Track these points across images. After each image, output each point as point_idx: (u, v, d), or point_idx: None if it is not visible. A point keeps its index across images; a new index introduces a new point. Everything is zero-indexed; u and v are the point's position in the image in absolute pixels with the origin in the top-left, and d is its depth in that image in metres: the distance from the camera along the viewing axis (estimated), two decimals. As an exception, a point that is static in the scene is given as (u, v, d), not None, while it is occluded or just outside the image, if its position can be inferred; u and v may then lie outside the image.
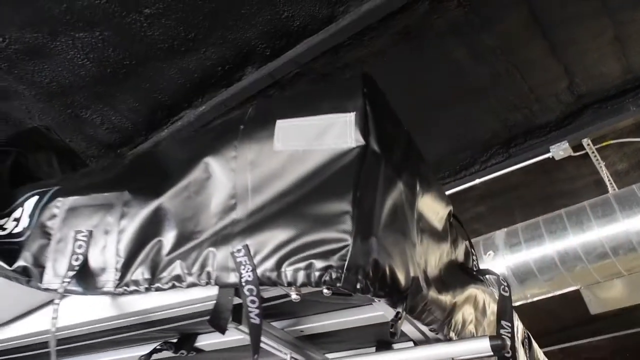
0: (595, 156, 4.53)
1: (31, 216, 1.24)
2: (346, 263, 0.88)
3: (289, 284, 0.92)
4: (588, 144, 4.42)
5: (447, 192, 5.05)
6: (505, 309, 1.40)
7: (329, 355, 1.47)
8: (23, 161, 1.80)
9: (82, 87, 3.80)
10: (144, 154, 1.27)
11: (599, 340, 8.14)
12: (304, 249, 0.92)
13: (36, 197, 1.28)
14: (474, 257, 1.57)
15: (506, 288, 1.45)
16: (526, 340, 2.33)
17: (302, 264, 0.91)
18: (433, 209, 1.27)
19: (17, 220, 1.30)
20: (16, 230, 1.26)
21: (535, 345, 2.52)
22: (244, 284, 0.93)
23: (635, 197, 3.58)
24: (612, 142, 4.46)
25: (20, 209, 1.32)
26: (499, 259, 4.04)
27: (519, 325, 2.15)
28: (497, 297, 1.50)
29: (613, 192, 3.79)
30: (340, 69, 3.60)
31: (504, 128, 4.53)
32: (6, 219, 1.35)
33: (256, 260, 0.94)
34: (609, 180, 4.70)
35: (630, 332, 7.96)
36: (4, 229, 1.31)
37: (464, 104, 4.17)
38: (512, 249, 4.01)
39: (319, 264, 0.90)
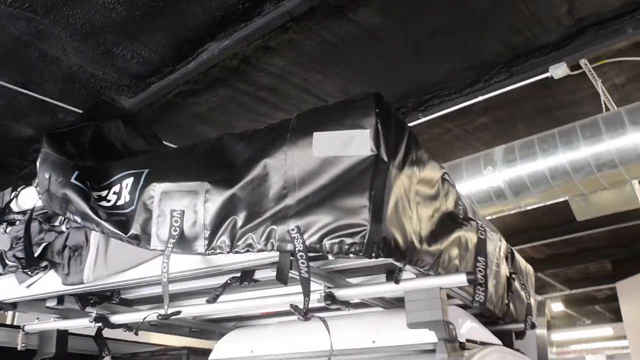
0: (592, 74, 4.83)
1: (132, 194, 1.70)
2: (365, 240, 1.35)
3: (327, 252, 1.39)
4: (585, 64, 4.71)
5: (453, 108, 5.42)
6: (481, 248, 1.89)
7: (350, 280, 1.97)
8: (99, 131, 2.24)
9: (113, 28, 4.14)
10: (212, 147, 1.67)
11: (598, 232, 8.79)
12: (337, 230, 1.38)
13: (132, 178, 1.73)
14: (461, 203, 2.02)
15: (483, 232, 1.93)
16: (509, 254, 2.84)
17: (337, 240, 1.38)
18: (428, 181, 1.72)
19: (117, 194, 1.76)
20: (119, 204, 1.73)
21: (517, 257, 3.03)
22: (297, 252, 1.40)
23: (620, 120, 3.96)
24: (607, 61, 4.74)
25: (118, 185, 1.78)
26: (497, 173, 4.52)
27: (501, 245, 2.64)
28: (477, 236, 1.98)
29: (602, 115, 4.15)
30: (352, 1, 3.91)
31: (507, 49, 4.80)
32: (106, 191, 1.82)
33: (305, 236, 1.41)
34: (604, 94, 5.03)
35: (627, 225, 8.58)
36: (108, 201, 1.77)
37: (469, 28, 4.44)
38: (509, 165, 4.47)
39: (347, 240, 1.37)
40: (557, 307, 13.80)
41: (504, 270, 2.65)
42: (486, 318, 2.58)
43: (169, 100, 5.14)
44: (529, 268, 3.32)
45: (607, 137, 3.99)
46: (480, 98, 5.13)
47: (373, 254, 1.36)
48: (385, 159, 1.42)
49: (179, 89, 4.94)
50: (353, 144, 1.43)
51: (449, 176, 2.04)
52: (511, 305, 2.74)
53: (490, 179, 4.46)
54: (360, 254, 1.36)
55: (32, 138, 5.82)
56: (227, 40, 4.28)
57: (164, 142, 2.56)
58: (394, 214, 1.42)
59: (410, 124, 5.68)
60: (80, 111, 5.11)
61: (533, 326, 2.85)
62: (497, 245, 2.53)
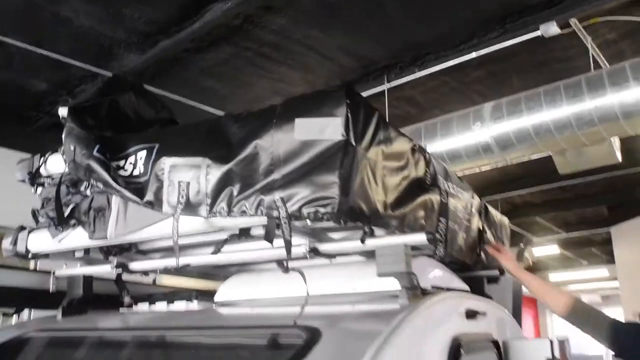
0: (582, 33, 5.01)
1: (145, 166, 2.03)
2: (335, 210, 1.68)
3: (306, 219, 1.73)
4: (575, 23, 4.89)
5: (448, 64, 5.62)
6: (443, 210, 2.22)
7: (335, 235, 2.30)
8: (114, 104, 2.55)
9: (122, -10, 4.36)
10: (211, 127, 1.98)
11: (594, 179, 9.06)
12: (313, 201, 1.71)
13: (145, 152, 2.05)
14: (430, 170, 2.34)
15: (446, 197, 2.25)
16: (482, 209, 3.17)
17: (313, 209, 1.71)
18: (396, 155, 2.04)
19: (133, 165, 2.09)
20: (135, 173, 2.06)
21: (491, 211, 3.36)
22: (281, 218, 1.74)
23: (602, 81, 4.20)
24: (597, 20, 4.91)
25: (133, 157, 2.11)
26: (485, 129, 4.80)
27: (473, 202, 2.96)
28: (440, 200, 2.31)
29: (584, 75, 4.38)
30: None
31: (500, 7, 4.98)
32: (123, 161, 2.14)
33: (288, 205, 1.74)
34: (594, 51, 5.22)
35: (622, 173, 8.86)
36: (125, 170, 2.11)
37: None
38: (496, 121, 4.74)
39: (321, 209, 1.70)
40: (553, 249, 14.26)
41: (476, 223, 2.99)
42: (459, 266, 2.94)
43: (176, 56, 5.39)
44: (504, 220, 3.65)
45: (588, 97, 4.24)
46: (474, 55, 5.34)
47: (341, 221, 1.70)
48: (353, 143, 1.73)
49: (186, 46, 5.18)
50: (327, 129, 1.74)
51: (420, 147, 2.34)
52: (482, 254, 3.09)
53: (479, 135, 4.75)
54: (331, 221, 1.70)
55: (47, 92, 6.13)
56: (230, 1, 4.50)
57: (171, 110, 2.85)
58: (359, 188, 1.74)
59: (407, 78, 5.93)
60: (92, 68, 5.38)
61: (502, 272, 3.19)
62: (468, 202, 2.85)
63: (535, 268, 17.98)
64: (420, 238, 2.01)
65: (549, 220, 12.85)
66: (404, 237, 2.01)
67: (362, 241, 1.87)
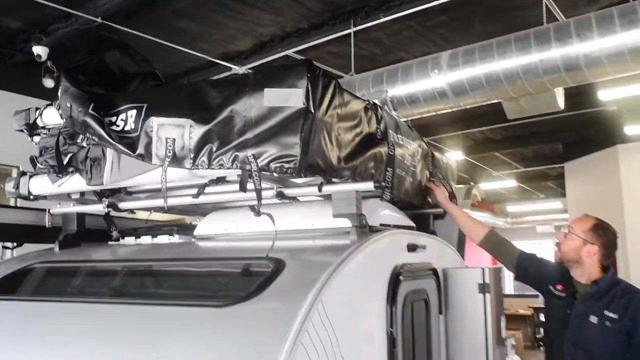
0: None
1: (136, 123, 2.36)
2: (297, 166, 2.07)
3: (272, 172, 2.12)
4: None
5: (411, 10, 5.87)
6: (390, 161, 2.63)
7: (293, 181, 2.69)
8: (101, 64, 2.84)
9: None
10: (193, 90, 2.30)
11: (550, 117, 9.55)
12: (279, 158, 2.10)
13: (135, 111, 2.38)
14: (381, 126, 2.73)
15: (393, 149, 2.66)
16: (429, 156, 3.59)
17: (278, 165, 2.10)
18: (349, 116, 2.42)
19: (124, 121, 2.42)
20: (126, 129, 2.40)
21: (438, 156, 3.79)
22: (253, 171, 2.12)
23: (548, 35, 4.57)
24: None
25: (124, 114, 2.44)
26: (442, 76, 5.17)
27: (420, 150, 3.38)
28: (388, 151, 2.71)
29: (534, 29, 4.74)
30: None
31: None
32: (115, 117, 2.47)
33: (258, 161, 2.12)
34: (549, 1, 5.54)
35: (576, 113, 9.38)
36: (117, 126, 2.44)
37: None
38: (452, 69, 5.11)
39: (285, 165, 2.09)
40: (511, 183, 15.01)
41: (422, 169, 3.42)
42: (408, 206, 3.39)
43: (150, -3, 5.54)
44: (451, 163, 4.10)
45: (534, 50, 4.62)
46: (436, 2, 5.59)
47: (302, 175, 2.10)
48: (312, 110, 2.10)
49: (159, -13, 5.35)
50: (291, 98, 2.10)
51: (373, 105, 2.72)
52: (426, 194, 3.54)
53: (435, 81, 5.12)
54: (294, 175, 2.09)
55: (21, 30, 6.24)
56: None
57: (150, 63, 3.14)
58: (317, 147, 2.14)
59: (373, 23, 6.18)
60: (65, 8, 5.51)
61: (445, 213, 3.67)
62: (415, 151, 3.27)
63: (495, 200, 18.87)
64: (368, 185, 2.43)
65: (508, 156, 13.50)
66: (355, 185, 2.43)
67: (319, 189, 2.28)
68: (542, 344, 14.68)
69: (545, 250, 20.87)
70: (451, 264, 3.50)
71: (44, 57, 6.29)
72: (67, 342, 2.22)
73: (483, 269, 3.36)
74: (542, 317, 14.68)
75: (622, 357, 3.04)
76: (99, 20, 5.65)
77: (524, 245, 3.88)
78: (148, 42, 6.26)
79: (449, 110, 5.49)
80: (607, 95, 7.34)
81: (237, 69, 7.32)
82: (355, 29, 6.22)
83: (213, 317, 1.97)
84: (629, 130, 9.17)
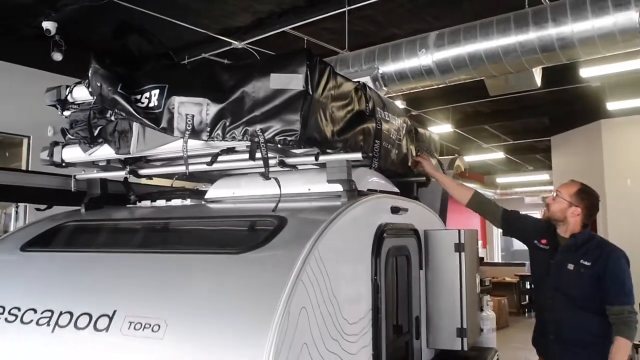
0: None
1: (159, 101, 2.77)
2: (298, 139, 2.50)
3: (277, 144, 2.54)
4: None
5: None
6: (377, 135, 3.06)
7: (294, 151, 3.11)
8: (125, 49, 3.23)
9: None
10: (209, 73, 2.70)
11: (538, 92, 9.93)
12: (283, 132, 2.52)
13: (158, 90, 2.79)
14: (370, 104, 3.14)
15: (380, 124, 3.08)
16: (412, 131, 4.01)
17: (282, 138, 2.52)
18: (342, 96, 2.83)
19: (148, 99, 2.82)
20: (150, 105, 2.80)
21: (421, 130, 4.21)
22: (260, 143, 2.54)
23: (526, 19, 4.95)
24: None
25: (148, 93, 2.84)
26: (429, 55, 5.56)
27: (405, 126, 3.80)
28: (376, 126, 3.13)
29: (515, 12, 5.11)
30: None
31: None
32: (140, 95, 2.87)
33: (265, 134, 2.54)
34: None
35: (563, 88, 9.77)
36: (142, 103, 2.84)
37: None
38: (439, 49, 5.50)
39: (288, 138, 2.52)
40: (500, 155, 15.47)
41: (406, 142, 3.84)
42: (394, 174, 3.82)
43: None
44: (434, 136, 4.53)
45: (514, 32, 5.00)
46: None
47: (302, 146, 2.53)
48: (310, 92, 2.52)
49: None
50: (293, 82, 2.51)
51: (363, 85, 3.13)
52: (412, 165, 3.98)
53: (423, 60, 5.51)
54: (295, 146, 2.52)
55: (30, 6, 6.54)
56: None
57: (165, 45, 3.52)
58: (314, 123, 2.56)
59: (366, 2, 6.51)
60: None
61: (428, 179, 4.12)
62: (400, 126, 3.69)
63: (485, 172, 19.39)
64: (357, 156, 2.86)
65: (497, 129, 13.92)
66: (346, 155, 2.86)
67: (316, 159, 2.71)
68: (527, 310, 15.41)
69: (531, 220, 21.51)
70: (432, 226, 3.97)
71: (53, 31, 6.61)
72: (98, 288, 2.65)
73: (459, 230, 3.83)
74: (527, 285, 15.25)
75: (593, 298, 3.56)
76: (106, -3, 5.97)
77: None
78: (151, 17, 6.59)
79: (436, 87, 5.88)
80: (589, 73, 7.73)
81: (237, 44, 7.66)
82: (349, 7, 6.55)
83: (230, 262, 2.41)
84: (611, 106, 9.59)
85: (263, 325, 1.99)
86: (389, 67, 5.77)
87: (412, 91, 6.39)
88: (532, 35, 4.92)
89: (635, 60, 7.01)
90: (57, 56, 6.87)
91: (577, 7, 4.68)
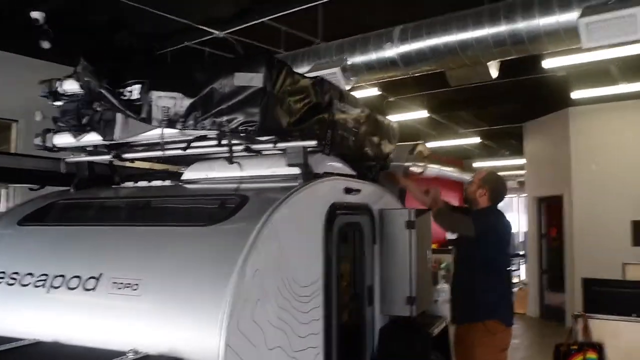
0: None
1: (140, 94, 3.18)
2: (258, 129, 2.94)
3: (241, 133, 2.98)
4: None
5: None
6: (331, 124, 3.51)
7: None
8: (112, 44, 3.62)
9: None
10: (184, 70, 3.13)
11: (510, 80, 10.35)
12: (245, 123, 2.97)
13: (139, 85, 3.20)
14: (326, 96, 3.57)
15: (333, 115, 3.53)
16: (371, 119, 4.44)
17: (244, 127, 2.97)
18: (299, 91, 3.27)
19: (130, 92, 3.24)
20: (132, 98, 3.22)
21: (380, 118, 4.65)
22: (226, 132, 2.98)
23: (481, 17, 5.38)
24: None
25: (130, 87, 3.25)
26: (394, 49, 5.98)
27: (363, 115, 4.23)
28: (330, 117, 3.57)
29: (473, 9, 5.53)
30: None
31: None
32: (123, 89, 3.28)
33: (230, 125, 2.98)
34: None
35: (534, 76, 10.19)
36: (125, 96, 3.25)
37: None
38: (403, 42, 5.92)
39: (249, 127, 2.96)
40: (476, 140, 15.98)
41: (364, 130, 4.28)
42: (352, 159, 4.26)
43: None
44: (393, 124, 4.97)
45: (470, 28, 5.44)
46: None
47: (261, 135, 2.97)
48: (269, 89, 2.95)
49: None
50: (254, 80, 2.95)
51: (320, 80, 3.56)
52: (370, 151, 4.42)
53: (388, 52, 5.94)
54: (255, 135, 2.96)
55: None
56: None
57: (149, 41, 3.92)
58: (272, 115, 3.00)
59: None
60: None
61: (386, 165, 4.60)
62: (357, 115, 4.12)
63: (462, 156, 19.92)
64: (312, 143, 3.30)
65: (472, 115, 14.40)
66: (302, 142, 3.30)
67: (274, 145, 3.16)
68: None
69: (506, 203, 22.14)
70: (388, 207, 4.43)
71: (41, 21, 6.94)
72: (87, 255, 3.10)
73: (410, 209, 4.30)
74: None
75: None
76: (90, -12, 6.30)
77: None
78: (134, 7, 6.91)
79: (402, 76, 6.32)
80: (551, 64, 8.19)
81: (218, 34, 8.01)
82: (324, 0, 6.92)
83: (198, 233, 2.87)
84: (575, 94, 10.07)
85: (222, 283, 2.45)
86: (358, 59, 6.20)
87: (390, 79, 6.78)
88: (487, 30, 5.35)
89: (595, 52, 7.47)
90: (45, 44, 7.19)
91: (526, 6, 5.12)
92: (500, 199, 4.59)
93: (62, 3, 6.78)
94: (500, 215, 4.66)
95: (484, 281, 4.46)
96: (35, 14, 6.82)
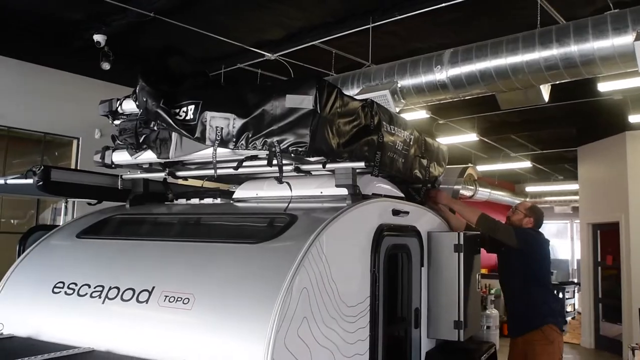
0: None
1: (194, 114, 3.29)
2: (307, 150, 2.99)
3: (291, 154, 3.05)
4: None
5: (420, 11, 6.61)
6: (380, 146, 3.53)
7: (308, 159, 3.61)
8: (166, 67, 3.78)
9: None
10: (236, 92, 3.23)
11: (564, 104, 10.19)
12: (295, 144, 3.03)
13: (193, 106, 3.32)
14: (375, 119, 3.60)
15: (381, 138, 3.55)
16: (421, 142, 4.45)
17: (294, 148, 3.03)
18: (347, 113, 3.32)
19: (185, 113, 3.36)
20: (187, 119, 3.33)
21: (429, 141, 4.65)
22: (277, 152, 3.05)
23: (533, 40, 5.34)
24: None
25: (185, 107, 3.37)
26: (443, 72, 5.99)
27: (412, 137, 4.24)
28: (379, 139, 3.60)
29: (522, 33, 5.50)
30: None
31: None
32: (178, 109, 3.41)
33: (281, 145, 3.05)
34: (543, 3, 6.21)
35: (588, 100, 10.00)
36: (180, 116, 3.38)
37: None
38: (452, 66, 5.93)
39: (299, 149, 3.02)
40: (526, 164, 15.66)
41: (413, 152, 4.29)
42: (402, 180, 4.28)
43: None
44: (442, 147, 4.96)
45: (521, 51, 5.40)
46: (443, 4, 6.34)
47: (311, 156, 3.02)
48: (319, 110, 3.01)
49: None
50: (304, 102, 3.01)
51: (370, 102, 3.61)
52: (419, 173, 4.42)
53: (438, 75, 5.94)
54: (305, 156, 3.02)
55: (82, 22, 7.23)
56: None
57: (200, 65, 4.07)
58: (322, 136, 3.05)
59: (388, 20, 6.96)
60: (120, 4, 6.45)
61: (433, 185, 4.60)
62: (407, 138, 4.14)
63: (514, 180, 19.54)
64: (360, 164, 3.34)
65: (524, 138, 14.15)
66: (351, 164, 3.34)
67: (324, 166, 3.20)
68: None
69: (558, 228, 21.52)
70: (435, 229, 4.40)
71: (103, 43, 7.30)
72: (141, 269, 3.20)
73: (459, 233, 4.26)
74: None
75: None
76: (151, 14, 6.59)
77: (543, 225, 5.22)
78: (191, 32, 7.20)
79: (451, 99, 6.30)
80: (606, 87, 8.00)
81: (269, 56, 8.21)
82: (373, 24, 7.02)
83: (248, 250, 2.93)
84: (632, 118, 9.78)
85: (270, 300, 2.50)
86: (407, 81, 6.23)
87: (440, 102, 6.78)
88: (538, 54, 5.30)
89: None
90: (106, 66, 7.55)
91: (580, 29, 5.05)
92: (540, 226, 5.13)
93: (123, 27, 7.11)
94: (541, 233, 5.14)
95: (538, 291, 4.80)
96: (98, 37, 7.18)
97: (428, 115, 9.84)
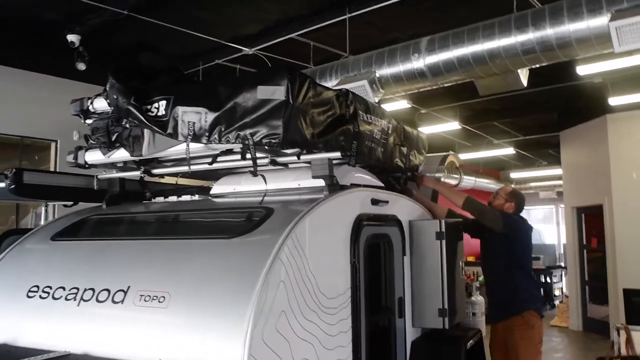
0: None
1: (166, 110, 3.24)
2: (281, 141, 2.95)
3: (264, 146, 3.00)
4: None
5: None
6: (356, 136, 3.49)
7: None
8: (138, 63, 3.71)
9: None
10: (208, 86, 3.17)
11: (544, 89, 10.21)
12: (268, 136, 2.98)
13: (165, 101, 3.26)
14: (350, 108, 3.56)
15: (358, 126, 3.51)
16: (400, 130, 4.42)
17: (268, 140, 2.98)
18: (322, 103, 3.27)
19: (157, 109, 3.30)
20: (159, 114, 3.27)
21: (408, 129, 4.61)
22: (250, 145, 3.00)
23: (509, 24, 5.32)
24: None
25: (157, 103, 3.31)
26: (421, 60, 5.95)
27: (390, 126, 4.21)
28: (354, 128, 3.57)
29: (498, 18, 5.47)
30: None
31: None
32: (149, 105, 3.34)
33: (254, 137, 3.00)
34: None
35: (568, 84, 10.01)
36: (152, 112, 3.32)
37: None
38: (430, 53, 5.89)
39: (273, 141, 2.97)
40: (510, 151, 15.73)
41: (392, 141, 4.25)
42: (381, 170, 4.24)
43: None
44: (422, 135, 4.93)
45: (498, 37, 5.38)
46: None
47: (284, 147, 2.98)
48: (291, 101, 2.96)
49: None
50: (276, 93, 2.96)
51: (345, 92, 3.56)
52: (399, 162, 4.40)
53: (415, 64, 5.91)
54: (279, 148, 2.97)
55: (56, 21, 7.10)
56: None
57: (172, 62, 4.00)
58: (295, 127, 3.01)
59: (365, 10, 6.90)
60: (95, 3, 6.35)
61: (413, 175, 4.57)
62: (385, 127, 4.10)
63: (499, 167, 19.62)
64: (336, 155, 3.30)
65: (507, 125, 14.18)
66: (327, 154, 3.30)
67: (298, 157, 3.16)
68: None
69: (544, 213, 21.68)
70: (417, 217, 4.38)
71: (77, 43, 7.17)
72: (116, 269, 3.15)
73: (440, 220, 4.25)
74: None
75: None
76: (125, 12, 6.48)
77: (528, 211, 5.20)
78: (167, 29, 7.09)
79: (430, 87, 6.28)
80: (586, 70, 8.01)
81: (247, 50, 8.13)
82: (349, 15, 6.96)
83: (223, 246, 2.88)
84: (613, 101, 9.83)
85: (246, 295, 2.45)
86: (385, 71, 6.19)
87: (419, 90, 6.74)
88: (514, 39, 5.29)
89: (633, 57, 7.27)
90: (81, 66, 7.42)
91: (555, 13, 5.04)
92: (521, 211, 5.15)
93: (97, 26, 6.99)
94: (525, 219, 5.14)
95: (520, 277, 4.84)
96: (72, 37, 7.05)
97: (409, 105, 9.82)
